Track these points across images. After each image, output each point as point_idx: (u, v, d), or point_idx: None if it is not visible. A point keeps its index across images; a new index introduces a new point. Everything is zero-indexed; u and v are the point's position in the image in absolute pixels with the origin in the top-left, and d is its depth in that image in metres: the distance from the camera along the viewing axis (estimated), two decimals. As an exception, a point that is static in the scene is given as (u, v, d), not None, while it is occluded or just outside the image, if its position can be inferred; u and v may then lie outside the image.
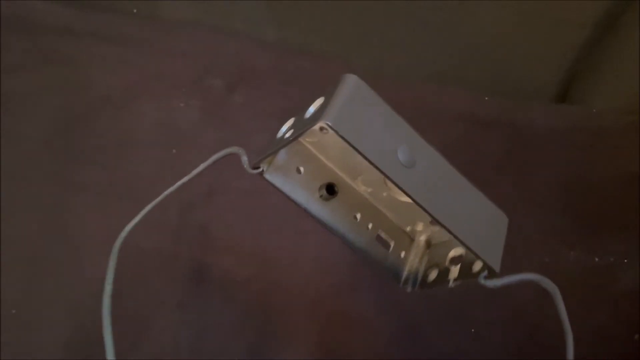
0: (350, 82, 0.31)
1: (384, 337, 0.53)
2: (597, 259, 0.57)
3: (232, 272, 0.54)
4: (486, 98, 0.63)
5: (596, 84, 0.67)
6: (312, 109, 0.33)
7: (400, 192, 0.30)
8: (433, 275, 0.38)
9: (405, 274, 0.39)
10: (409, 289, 0.38)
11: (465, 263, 0.35)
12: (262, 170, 0.37)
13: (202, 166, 0.41)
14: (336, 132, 0.28)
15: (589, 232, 0.58)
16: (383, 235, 0.39)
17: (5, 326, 0.50)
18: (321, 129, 0.28)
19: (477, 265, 0.34)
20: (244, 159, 0.37)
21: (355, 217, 0.39)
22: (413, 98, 0.63)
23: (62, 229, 0.54)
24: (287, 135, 0.33)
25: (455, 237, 0.31)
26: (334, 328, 0.54)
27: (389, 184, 0.35)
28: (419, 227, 0.40)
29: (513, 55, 0.66)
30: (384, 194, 0.39)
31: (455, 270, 0.36)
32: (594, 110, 0.65)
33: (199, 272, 0.54)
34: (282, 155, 0.38)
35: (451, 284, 0.35)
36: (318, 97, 0.32)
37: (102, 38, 0.59)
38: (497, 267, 0.33)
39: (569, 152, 0.61)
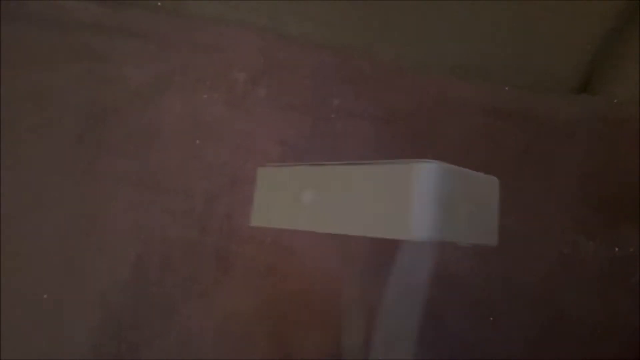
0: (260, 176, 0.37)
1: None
2: (616, 249, 0.57)
3: (255, 261, 0.56)
4: (506, 88, 0.63)
5: (617, 75, 0.66)
6: None
7: None
8: None
9: None
10: None
11: None
12: None
13: None
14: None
15: (609, 222, 0.58)
16: None
17: (37, 310, 0.53)
18: None
19: None
20: None
21: None
22: (434, 91, 0.63)
23: (92, 218, 0.56)
24: None
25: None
26: (354, 315, 0.55)
27: None
28: None
29: (534, 46, 0.66)
30: None
31: None
32: (615, 101, 0.64)
33: (224, 260, 0.56)
34: None
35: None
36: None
37: (130, 34, 0.61)
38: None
39: (589, 143, 0.61)
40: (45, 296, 0.53)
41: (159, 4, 0.63)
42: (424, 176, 0.29)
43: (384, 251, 0.41)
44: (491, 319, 0.54)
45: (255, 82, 0.61)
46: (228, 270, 0.55)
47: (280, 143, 0.59)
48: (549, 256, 0.56)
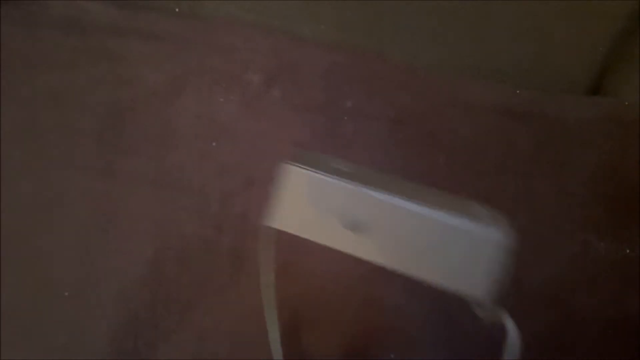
0: (292, 175, 0.34)
1: (415, 322, 0.54)
2: (627, 250, 0.57)
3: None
4: (517, 91, 0.63)
5: (628, 77, 0.66)
6: None
7: None
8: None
9: None
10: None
11: None
12: None
13: None
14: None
15: (620, 223, 0.58)
16: None
17: (59, 306, 0.54)
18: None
19: None
20: None
21: None
22: (446, 91, 0.63)
23: (111, 216, 0.57)
24: None
25: (427, 282, 0.31)
26: (367, 313, 0.55)
27: None
28: None
29: (546, 48, 0.66)
30: None
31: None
32: (626, 103, 0.64)
33: (239, 258, 0.56)
34: None
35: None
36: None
37: (147, 36, 0.62)
38: (480, 293, 0.31)
39: (600, 144, 0.61)
40: (66, 293, 0.54)
41: (177, 10, 0.64)
42: (502, 244, 0.31)
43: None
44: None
45: (269, 83, 0.62)
46: (243, 268, 0.56)
47: (293, 143, 0.60)
48: (560, 256, 0.56)
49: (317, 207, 0.33)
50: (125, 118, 0.59)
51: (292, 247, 0.56)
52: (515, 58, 0.67)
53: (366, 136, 0.61)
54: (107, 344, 0.53)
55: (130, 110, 0.59)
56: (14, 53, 0.60)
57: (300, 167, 0.34)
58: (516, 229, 0.54)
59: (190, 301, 0.55)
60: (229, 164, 0.59)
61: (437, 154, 0.54)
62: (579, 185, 0.59)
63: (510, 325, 0.32)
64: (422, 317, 0.54)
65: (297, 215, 0.34)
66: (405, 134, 0.61)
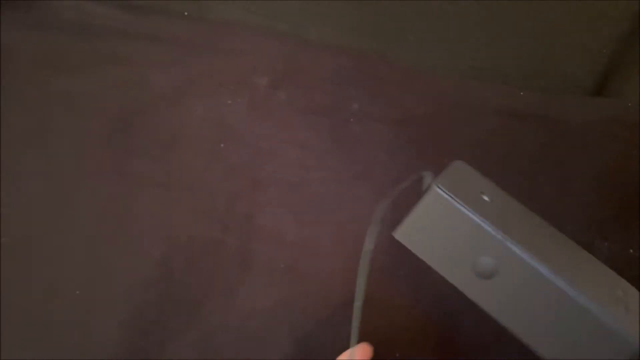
0: (434, 197, 0.31)
1: (421, 322, 0.55)
2: (631, 250, 0.57)
3: (275, 259, 0.57)
4: (521, 93, 0.63)
5: (632, 78, 0.66)
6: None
7: None
8: None
9: None
10: None
11: None
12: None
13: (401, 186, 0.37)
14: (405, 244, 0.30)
15: (623, 224, 0.58)
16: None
17: (71, 305, 0.54)
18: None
19: None
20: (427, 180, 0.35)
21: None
22: (451, 93, 0.64)
23: (120, 217, 0.57)
24: None
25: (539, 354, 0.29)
26: (372, 313, 0.55)
27: None
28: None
29: (550, 50, 0.66)
30: None
31: None
32: (630, 104, 0.65)
33: (245, 259, 0.57)
34: None
35: None
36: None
37: (156, 39, 0.62)
38: None
39: (604, 145, 0.61)
40: (77, 292, 0.55)
41: (185, 13, 0.65)
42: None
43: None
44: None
45: (275, 86, 0.62)
46: (249, 268, 0.56)
47: (299, 146, 0.60)
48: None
49: (450, 237, 0.31)
50: (134, 120, 0.60)
51: (296, 248, 0.57)
52: (519, 60, 0.67)
53: (372, 137, 0.61)
54: (117, 342, 0.54)
55: (138, 113, 0.60)
56: (23, 56, 0.61)
57: (445, 193, 0.32)
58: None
59: (197, 301, 0.55)
60: (236, 165, 0.59)
61: (442, 155, 0.55)
62: (583, 186, 0.59)
63: None
64: (426, 317, 0.55)
65: (426, 238, 0.32)
66: (410, 135, 0.61)
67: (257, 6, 0.67)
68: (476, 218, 0.30)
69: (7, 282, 0.55)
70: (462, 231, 0.30)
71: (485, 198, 0.33)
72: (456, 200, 0.32)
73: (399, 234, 0.32)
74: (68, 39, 0.62)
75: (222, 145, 0.60)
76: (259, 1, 0.67)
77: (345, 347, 0.48)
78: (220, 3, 0.67)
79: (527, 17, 0.64)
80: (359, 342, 0.53)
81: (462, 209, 0.31)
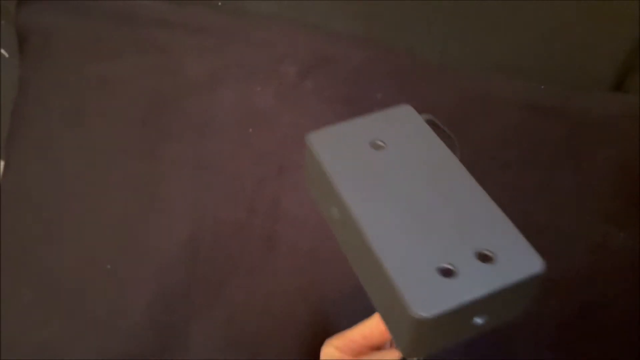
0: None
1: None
2: (645, 242, 0.57)
3: (299, 243, 0.58)
4: (542, 87, 0.64)
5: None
6: None
7: None
8: None
9: None
10: None
11: None
12: None
13: None
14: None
15: (639, 215, 0.58)
16: None
17: (102, 278, 0.57)
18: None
19: None
20: None
21: None
22: (473, 87, 0.65)
23: (152, 197, 0.60)
24: None
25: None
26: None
27: None
28: None
29: (572, 46, 0.66)
30: None
31: None
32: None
33: (270, 241, 0.59)
34: None
35: None
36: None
37: (191, 29, 0.64)
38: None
39: (622, 139, 0.61)
40: (108, 266, 0.57)
41: (220, 4, 0.67)
42: None
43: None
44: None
45: (303, 75, 0.64)
46: (273, 250, 0.58)
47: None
48: (579, 247, 0.57)
49: (320, 181, 0.33)
50: (168, 105, 0.62)
51: (321, 232, 0.58)
52: (541, 56, 0.68)
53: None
54: (145, 317, 0.56)
55: (172, 99, 0.62)
56: (65, 42, 0.64)
57: (312, 143, 0.34)
58: (537, 222, 0.56)
59: (222, 279, 0.57)
60: (263, 151, 0.61)
61: (464, 146, 0.56)
62: (600, 178, 0.59)
63: None
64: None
65: (310, 179, 0.35)
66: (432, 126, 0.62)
67: (288, 0, 0.68)
68: (327, 171, 0.32)
69: (42, 250, 0.58)
70: (322, 179, 0.32)
71: (380, 143, 0.34)
72: (317, 151, 0.34)
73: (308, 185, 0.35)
74: (108, 27, 0.64)
75: (250, 130, 0.62)
76: (290, -5, 0.69)
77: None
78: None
79: (549, 16, 0.65)
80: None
81: (319, 158, 0.33)
